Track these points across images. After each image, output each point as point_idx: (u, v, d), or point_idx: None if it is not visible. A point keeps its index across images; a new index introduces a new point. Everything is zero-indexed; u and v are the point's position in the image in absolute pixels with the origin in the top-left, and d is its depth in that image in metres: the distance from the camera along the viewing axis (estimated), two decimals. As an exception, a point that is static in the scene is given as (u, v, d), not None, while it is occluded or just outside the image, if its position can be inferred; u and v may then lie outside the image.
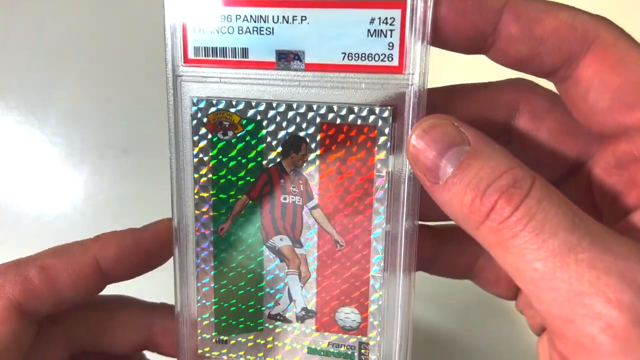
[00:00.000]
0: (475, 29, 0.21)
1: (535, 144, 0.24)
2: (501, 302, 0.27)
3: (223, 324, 0.27)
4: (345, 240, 0.25)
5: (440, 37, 0.22)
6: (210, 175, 0.26)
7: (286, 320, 0.27)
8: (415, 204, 0.24)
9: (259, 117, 0.25)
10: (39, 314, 0.26)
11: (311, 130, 0.25)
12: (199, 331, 0.28)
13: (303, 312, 0.27)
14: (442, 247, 0.27)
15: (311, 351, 0.27)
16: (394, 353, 0.26)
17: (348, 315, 0.26)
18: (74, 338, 0.28)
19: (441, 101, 0.24)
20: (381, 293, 0.26)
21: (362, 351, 0.26)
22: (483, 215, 0.19)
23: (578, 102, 0.22)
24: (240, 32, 0.24)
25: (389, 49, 0.23)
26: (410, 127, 0.23)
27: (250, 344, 0.27)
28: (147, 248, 0.27)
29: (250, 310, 0.27)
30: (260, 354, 0.27)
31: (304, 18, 0.23)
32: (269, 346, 0.27)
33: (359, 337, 0.26)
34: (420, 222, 0.26)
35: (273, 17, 0.23)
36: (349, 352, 0.27)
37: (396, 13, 0.23)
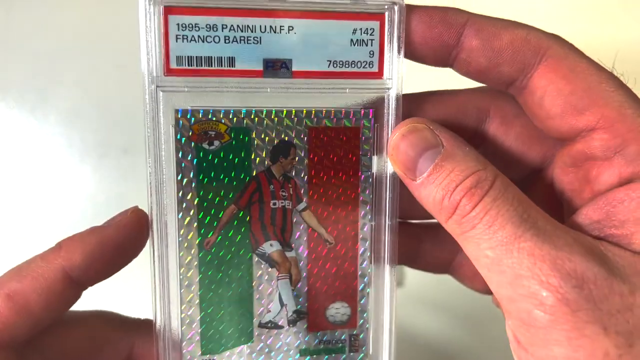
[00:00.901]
0: (440, 41, 0.25)
1: (505, 146, 0.27)
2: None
3: (210, 345, 0.26)
4: (334, 238, 0.27)
5: (411, 49, 0.25)
6: (194, 187, 0.25)
7: (278, 327, 0.27)
8: (396, 201, 0.27)
9: (246, 125, 0.25)
10: (16, 343, 0.23)
11: (300, 135, 0.26)
12: (183, 352, 0.26)
13: (294, 315, 0.27)
14: (423, 243, 0.30)
15: (303, 353, 0.27)
16: (382, 342, 0.28)
17: (338, 310, 0.27)
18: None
19: (417, 106, 0.27)
20: (369, 284, 0.27)
21: (352, 342, 0.28)
22: (450, 211, 0.23)
23: (535, 109, 0.24)
24: (227, 41, 0.24)
25: (370, 56, 0.25)
26: (390, 127, 0.26)
27: (241, 358, 0.27)
28: (114, 245, 0.25)
29: (240, 325, 0.27)
30: (252, 366, 0.27)
31: (291, 28, 0.24)
32: (260, 357, 0.27)
33: (349, 329, 0.28)
34: (403, 220, 0.29)
35: (261, 26, 0.24)
36: (340, 346, 0.28)
37: (375, 24, 0.25)
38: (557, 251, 0.21)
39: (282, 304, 0.27)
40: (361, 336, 0.28)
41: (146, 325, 0.27)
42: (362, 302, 0.27)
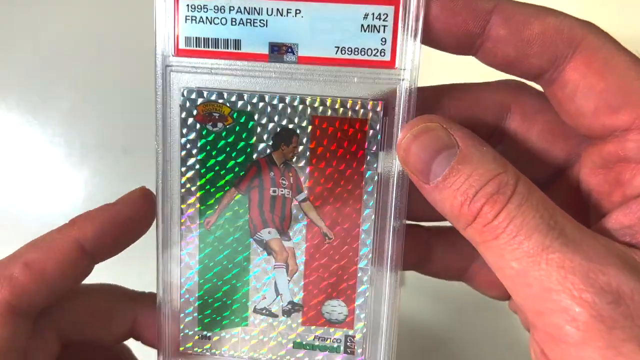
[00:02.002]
0: (464, 29, 0.22)
1: (526, 144, 0.25)
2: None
3: (207, 320, 0.27)
4: (334, 233, 0.26)
5: (430, 36, 0.23)
6: (197, 167, 0.26)
7: (272, 315, 0.27)
8: (403, 202, 0.25)
9: (249, 109, 0.25)
10: (32, 310, 0.25)
11: (303, 123, 0.25)
12: (181, 326, 0.27)
13: (289, 306, 0.27)
14: (434, 249, 0.28)
15: (297, 345, 0.27)
16: (379, 347, 0.26)
17: (335, 308, 0.26)
18: (63, 330, 0.27)
19: (433, 100, 0.25)
20: (368, 286, 0.26)
21: (348, 344, 0.27)
22: (470, 218, 0.21)
23: (565, 105, 0.22)
24: (234, 23, 0.24)
25: (381, 44, 0.23)
26: (400, 122, 0.24)
27: (234, 340, 0.27)
28: (124, 219, 0.26)
29: (236, 305, 0.27)
30: (245, 348, 0.27)
31: (298, 11, 0.23)
32: (253, 341, 0.27)
33: (345, 330, 0.27)
34: (414, 222, 0.27)
35: (267, 9, 0.24)
36: (335, 345, 0.27)
37: (389, 9, 0.23)
38: (589, 263, 0.19)
39: (277, 293, 0.27)
40: (357, 339, 0.26)
41: (149, 298, 0.28)
42: (359, 303, 0.26)
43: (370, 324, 0.26)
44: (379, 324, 0.26)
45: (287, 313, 0.27)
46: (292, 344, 0.27)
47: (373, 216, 0.25)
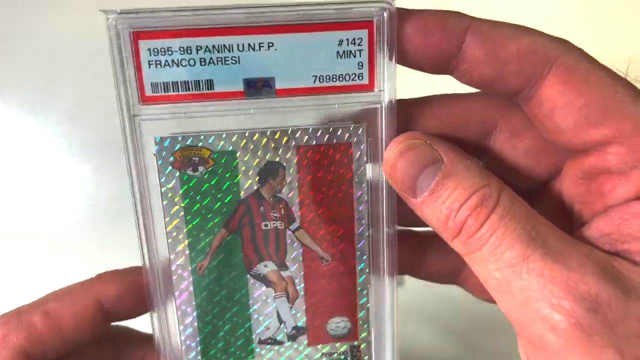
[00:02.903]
0: (438, 51, 0.22)
1: (512, 159, 0.25)
2: (503, 319, 0.30)
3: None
4: (330, 255, 0.26)
5: (406, 57, 0.23)
6: (182, 214, 0.24)
7: (278, 342, 0.27)
8: (393, 210, 0.25)
9: (231, 148, 0.24)
10: (47, 357, 0.25)
11: (288, 155, 0.24)
12: (186, 372, 0.26)
13: (294, 331, 0.27)
14: (427, 253, 0.29)
15: (304, 365, 0.28)
16: (385, 351, 0.27)
17: (338, 324, 0.27)
18: None
19: (417, 114, 0.25)
20: (368, 298, 0.27)
21: (354, 354, 0.28)
22: (456, 231, 0.22)
23: (544, 122, 0.23)
24: (203, 63, 0.22)
25: (359, 68, 0.23)
26: (383, 141, 0.24)
27: (242, 374, 0.27)
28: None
29: (240, 341, 0.27)
30: (255, 380, 0.27)
31: (271, 44, 0.23)
32: (261, 371, 0.27)
33: (350, 342, 0.27)
34: (405, 228, 0.28)
35: (238, 45, 0.22)
36: (342, 358, 0.28)
37: (363, 33, 0.23)
38: (569, 272, 0.20)
39: (280, 321, 0.27)
40: (363, 346, 0.28)
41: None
42: (362, 315, 0.27)
43: (373, 332, 0.27)
44: (382, 329, 0.27)
45: (292, 338, 0.27)
46: (299, 365, 0.28)
47: (367, 233, 0.26)
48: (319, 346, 0.27)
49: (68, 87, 0.50)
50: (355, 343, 0.28)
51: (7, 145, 0.51)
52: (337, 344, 0.27)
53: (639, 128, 0.21)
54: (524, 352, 0.22)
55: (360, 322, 0.27)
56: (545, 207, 0.23)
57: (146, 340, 0.28)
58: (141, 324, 0.29)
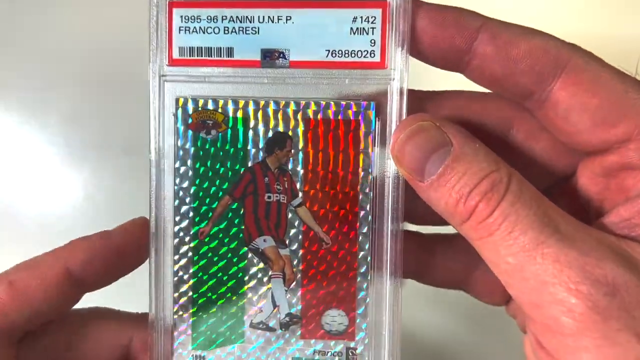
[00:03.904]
0: (451, 44, 0.23)
1: (529, 159, 0.25)
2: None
3: (201, 339, 0.26)
4: (330, 238, 0.25)
5: (418, 49, 0.23)
6: (190, 175, 0.25)
7: (270, 329, 0.26)
8: (399, 204, 0.24)
9: (243, 115, 0.25)
10: (14, 333, 0.24)
11: (296, 126, 0.25)
12: (174, 345, 0.26)
13: (287, 319, 0.26)
14: (436, 255, 0.27)
15: (292, 358, 0.26)
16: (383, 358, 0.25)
17: (334, 318, 0.25)
18: (51, 357, 0.26)
19: (430, 107, 0.25)
20: (369, 293, 0.25)
21: (350, 357, 0.25)
22: (466, 215, 0.21)
23: (559, 124, 0.23)
24: (226, 32, 0.25)
25: (371, 45, 0.24)
26: (393, 121, 0.24)
27: (230, 358, 0.26)
28: (118, 249, 0.26)
29: (231, 321, 0.26)
30: (242, 368, 0.26)
31: (288, 18, 0.24)
32: (250, 359, 0.26)
33: (346, 341, 0.25)
34: (413, 230, 0.26)
35: (259, 17, 0.24)
36: (336, 359, 0.25)
37: (377, 12, 0.24)
38: (584, 257, 0.20)
39: (274, 305, 0.26)
40: (359, 351, 0.25)
41: (143, 320, 0.27)
42: (360, 312, 0.25)
43: (372, 335, 0.25)
44: (381, 334, 0.25)
45: (285, 326, 0.26)
46: (287, 356, 0.26)
47: (370, 217, 0.25)
48: (312, 341, 0.26)
49: (68, 87, 0.50)
50: (352, 344, 0.25)
51: (7, 145, 0.51)
52: (332, 342, 0.25)
53: None
54: (535, 334, 0.21)
55: (358, 319, 0.25)
56: (561, 206, 0.21)
57: (132, 320, 0.28)
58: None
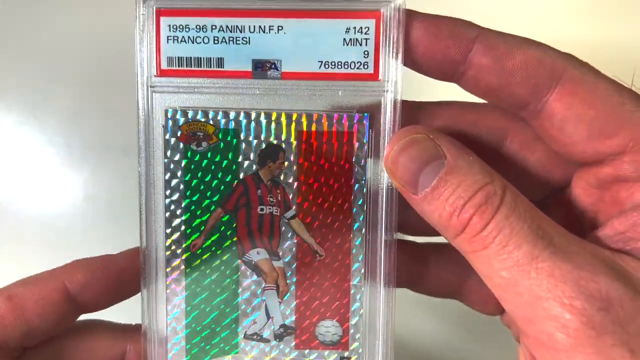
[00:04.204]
0: (447, 55, 0.22)
1: (522, 171, 0.25)
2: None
3: (195, 350, 0.26)
4: (324, 250, 0.25)
5: (412, 60, 0.23)
6: (181, 188, 0.25)
7: (264, 340, 0.26)
8: (393, 215, 0.24)
9: (235, 127, 0.25)
10: (12, 344, 0.25)
11: (289, 138, 0.25)
12: (169, 357, 0.26)
13: (281, 330, 0.26)
14: (430, 264, 0.27)
15: (289, 371, 0.26)
16: None
17: (328, 329, 0.26)
18: None
19: (425, 117, 0.25)
20: (362, 303, 0.25)
21: (344, 366, 0.26)
22: (459, 228, 0.21)
23: (554, 135, 0.23)
24: (216, 42, 0.24)
25: (364, 57, 0.24)
26: (387, 133, 0.24)
27: (225, 369, 0.26)
28: (118, 273, 0.26)
29: (225, 332, 0.26)
30: (236, 379, 0.26)
31: (280, 28, 0.24)
32: (244, 369, 0.26)
33: (340, 351, 0.26)
34: (405, 239, 0.27)
35: (249, 26, 0.24)
36: (330, 369, 0.26)
37: (371, 23, 0.23)
38: (578, 271, 0.19)
39: (268, 317, 0.26)
40: (353, 359, 0.26)
41: (137, 331, 0.27)
42: (354, 322, 0.25)
43: (365, 344, 0.25)
44: (375, 343, 0.25)
45: (279, 337, 0.26)
46: (284, 369, 0.26)
47: (364, 230, 0.25)
48: (307, 351, 0.26)
49: (68, 87, 0.50)
50: (346, 354, 0.26)
51: (7, 145, 0.51)
52: (326, 352, 0.26)
53: None
54: (529, 349, 0.21)
55: (352, 330, 0.25)
56: (555, 217, 0.21)
57: (126, 332, 0.28)
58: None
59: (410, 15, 0.23)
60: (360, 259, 0.25)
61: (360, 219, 0.25)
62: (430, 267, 0.27)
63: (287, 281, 0.25)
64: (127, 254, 0.26)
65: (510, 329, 0.27)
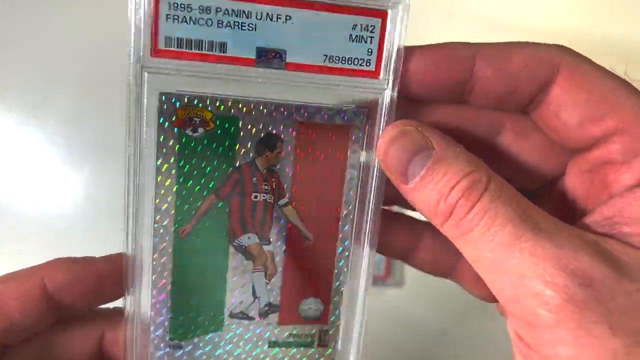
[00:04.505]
0: (451, 79, 0.24)
1: (519, 159, 0.26)
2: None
3: (179, 330, 0.26)
4: (313, 234, 0.26)
5: (422, 89, 0.24)
6: (174, 173, 0.24)
7: (249, 318, 0.27)
8: (381, 191, 0.25)
9: (233, 114, 0.24)
10: None
11: (288, 129, 0.25)
12: (152, 337, 0.26)
13: (267, 308, 0.27)
14: (424, 238, 0.28)
15: (272, 344, 0.27)
16: (352, 338, 0.28)
17: (311, 305, 0.27)
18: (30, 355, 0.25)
19: (425, 112, 0.25)
20: (344, 283, 0.27)
21: (322, 338, 0.28)
22: (447, 214, 0.22)
23: (551, 121, 0.24)
24: (220, 25, 0.23)
25: (367, 54, 0.24)
26: (381, 129, 0.25)
27: (208, 346, 0.27)
28: (100, 275, 0.25)
29: (211, 312, 0.26)
30: (219, 352, 0.27)
31: (288, 17, 0.23)
32: (228, 346, 0.27)
33: (320, 324, 0.28)
34: (401, 211, 0.28)
35: (257, 13, 0.23)
36: (309, 340, 0.28)
37: (377, 21, 0.24)
38: (560, 250, 0.20)
39: (255, 297, 0.27)
40: (331, 332, 0.28)
41: (116, 314, 0.26)
42: (335, 299, 0.27)
43: (343, 317, 0.28)
44: (352, 316, 0.27)
45: (263, 315, 0.27)
46: (267, 344, 0.27)
47: (352, 216, 0.26)
48: (290, 326, 0.27)
49: (68, 87, 0.50)
50: (325, 327, 0.28)
51: (7, 145, 0.51)
52: (307, 326, 0.28)
53: (638, 118, 0.22)
54: (515, 328, 0.22)
55: (332, 306, 0.27)
56: (551, 206, 0.23)
57: (103, 316, 0.27)
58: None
59: (409, 50, 0.24)
60: (346, 244, 0.27)
61: (350, 207, 0.26)
62: (424, 241, 0.28)
63: (276, 264, 0.26)
64: (112, 258, 0.26)
65: (505, 316, 0.28)
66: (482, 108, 0.25)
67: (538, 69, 0.23)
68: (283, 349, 0.28)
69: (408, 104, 0.25)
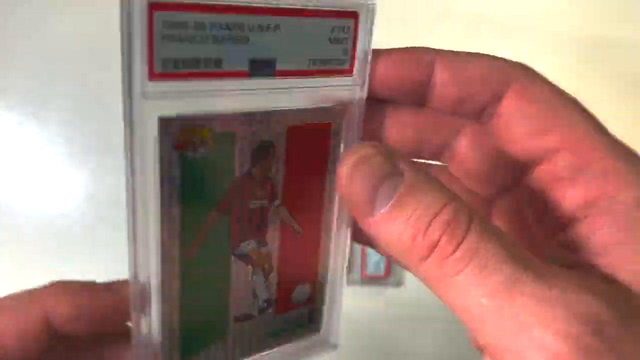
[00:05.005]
0: (412, 81, 0.25)
1: (471, 165, 0.26)
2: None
3: (190, 348, 0.26)
4: (302, 227, 0.28)
5: (385, 90, 0.26)
6: (177, 196, 0.23)
7: (249, 317, 0.28)
8: None
9: (230, 129, 0.24)
10: None
11: (279, 135, 0.25)
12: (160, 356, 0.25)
13: (265, 304, 0.28)
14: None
15: (266, 334, 0.29)
16: (333, 319, 0.30)
17: (300, 291, 0.29)
18: None
19: (388, 116, 0.27)
20: (329, 266, 0.29)
21: (312, 317, 0.30)
22: (425, 251, 0.20)
23: (502, 132, 0.25)
24: (215, 41, 0.22)
25: (344, 54, 0.25)
26: (357, 122, 0.27)
27: (217, 352, 0.27)
28: (105, 307, 0.24)
29: (218, 323, 0.26)
30: (222, 355, 0.27)
31: (277, 26, 0.23)
32: (233, 347, 0.28)
33: (310, 304, 0.30)
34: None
35: (249, 25, 0.22)
36: (300, 321, 0.30)
37: (351, 22, 0.25)
38: (566, 294, 0.19)
39: (255, 296, 0.27)
40: (319, 309, 0.30)
41: (114, 334, 0.25)
42: (320, 280, 0.29)
43: (329, 295, 0.30)
44: (335, 293, 0.30)
45: (262, 311, 0.28)
46: (263, 334, 0.29)
47: (334, 209, 0.28)
48: (285, 314, 0.29)
49: (68, 87, 0.49)
50: (314, 307, 0.30)
51: (7, 145, 0.50)
52: (298, 310, 0.29)
53: (584, 134, 0.23)
54: None
55: (319, 286, 0.30)
56: (505, 217, 0.24)
57: (102, 336, 0.25)
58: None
59: (377, 52, 0.25)
60: (331, 234, 0.28)
61: (332, 197, 0.28)
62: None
63: (273, 263, 0.27)
64: (117, 288, 0.24)
65: (482, 351, 0.24)
66: (442, 112, 0.26)
67: (491, 79, 0.24)
68: (277, 336, 0.29)
69: (374, 104, 0.27)
